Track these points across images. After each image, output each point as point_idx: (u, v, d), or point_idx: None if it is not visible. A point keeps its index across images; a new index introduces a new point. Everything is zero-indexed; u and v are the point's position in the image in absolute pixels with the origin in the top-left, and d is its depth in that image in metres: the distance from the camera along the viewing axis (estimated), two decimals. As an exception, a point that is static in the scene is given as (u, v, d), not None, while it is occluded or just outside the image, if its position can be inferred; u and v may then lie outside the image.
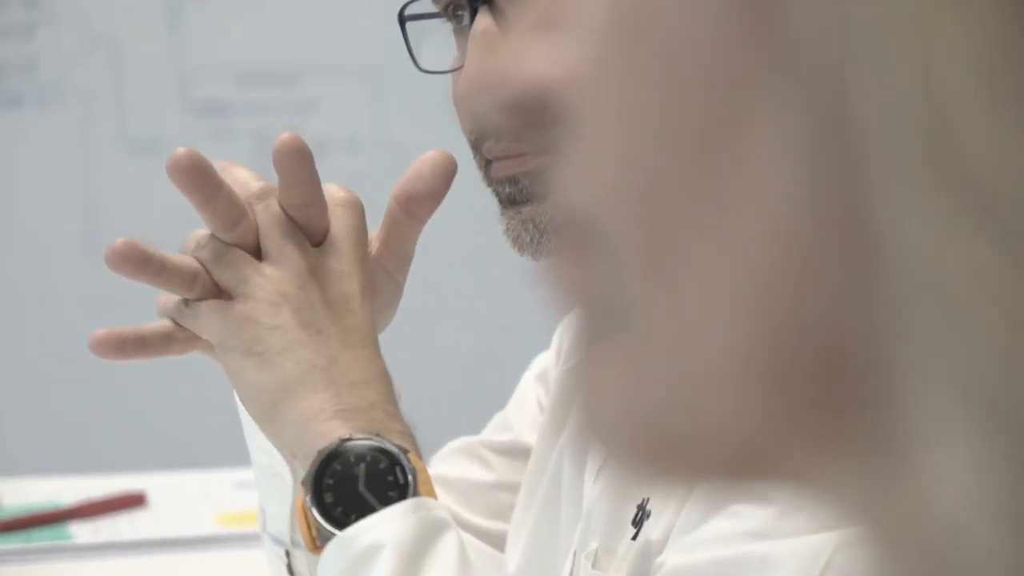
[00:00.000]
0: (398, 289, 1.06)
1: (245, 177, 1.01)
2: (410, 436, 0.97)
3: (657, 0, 0.28)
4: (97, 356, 1.00)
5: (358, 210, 1.02)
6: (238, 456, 1.73)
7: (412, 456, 0.95)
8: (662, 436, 0.29)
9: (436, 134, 3.14)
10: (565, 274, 0.31)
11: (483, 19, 0.94)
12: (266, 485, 1.04)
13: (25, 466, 2.46)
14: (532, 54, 0.31)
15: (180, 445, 2.77)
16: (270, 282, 0.97)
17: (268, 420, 0.97)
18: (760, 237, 0.27)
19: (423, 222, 1.04)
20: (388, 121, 3.07)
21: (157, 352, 1.02)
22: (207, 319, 0.99)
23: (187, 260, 1.00)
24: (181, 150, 0.96)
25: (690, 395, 0.29)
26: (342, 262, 0.99)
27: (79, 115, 3.07)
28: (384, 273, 1.04)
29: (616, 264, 0.29)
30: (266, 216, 0.99)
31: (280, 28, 3.09)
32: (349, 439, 0.94)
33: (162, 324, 1.02)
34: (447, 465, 1.18)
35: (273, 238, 0.99)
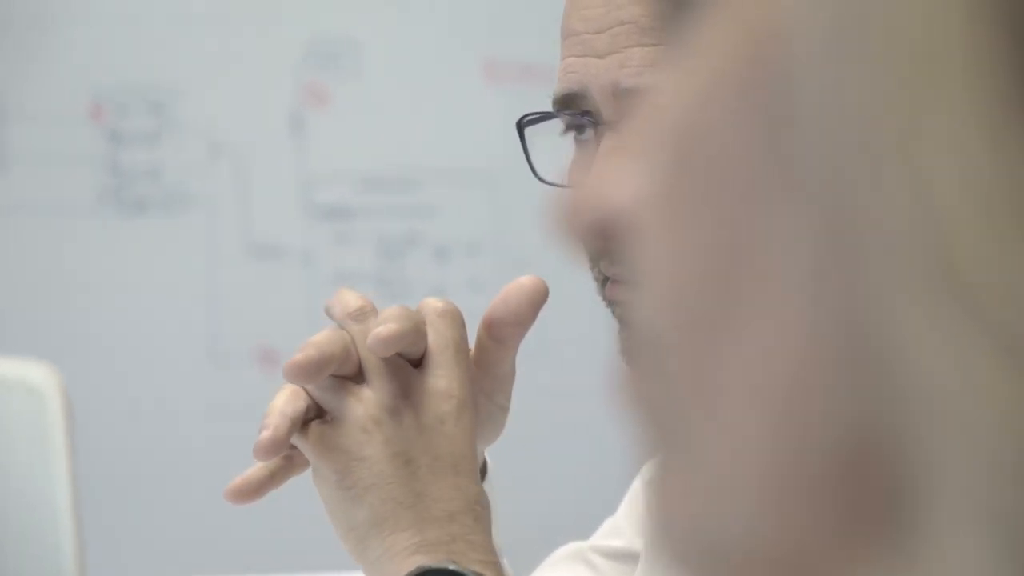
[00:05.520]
0: (501, 410, 1.05)
1: (348, 298, 1.01)
2: (494, 565, 0.97)
3: (705, 125, 0.29)
4: (237, 504, 1.01)
5: (457, 321, 1.01)
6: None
7: None
8: (713, 548, 0.30)
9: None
10: (633, 388, 0.33)
11: (611, 142, 0.93)
12: None
13: (153, 571, 2.47)
14: (611, 179, 0.33)
15: (303, 547, 2.78)
16: (364, 406, 0.98)
17: (358, 553, 0.99)
18: (779, 352, 0.28)
19: (511, 348, 1.02)
20: (508, 225, 3.07)
21: (283, 478, 1.03)
22: (309, 444, 1.00)
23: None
24: (297, 357, 0.96)
25: (731, 508, 0.30)
26: (439, 378, 0.99)
27: (203, 221, 3.11)
28: (482, 396, 1.03)
29: (669, 378, 0.31)
30: (363, 339, 0.99)
31: (401, 133, 3.12)
32: (428, 568, 0.94)
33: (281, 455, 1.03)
34: (555, 571, 1.17)
35: (370, 360, 0.99)
